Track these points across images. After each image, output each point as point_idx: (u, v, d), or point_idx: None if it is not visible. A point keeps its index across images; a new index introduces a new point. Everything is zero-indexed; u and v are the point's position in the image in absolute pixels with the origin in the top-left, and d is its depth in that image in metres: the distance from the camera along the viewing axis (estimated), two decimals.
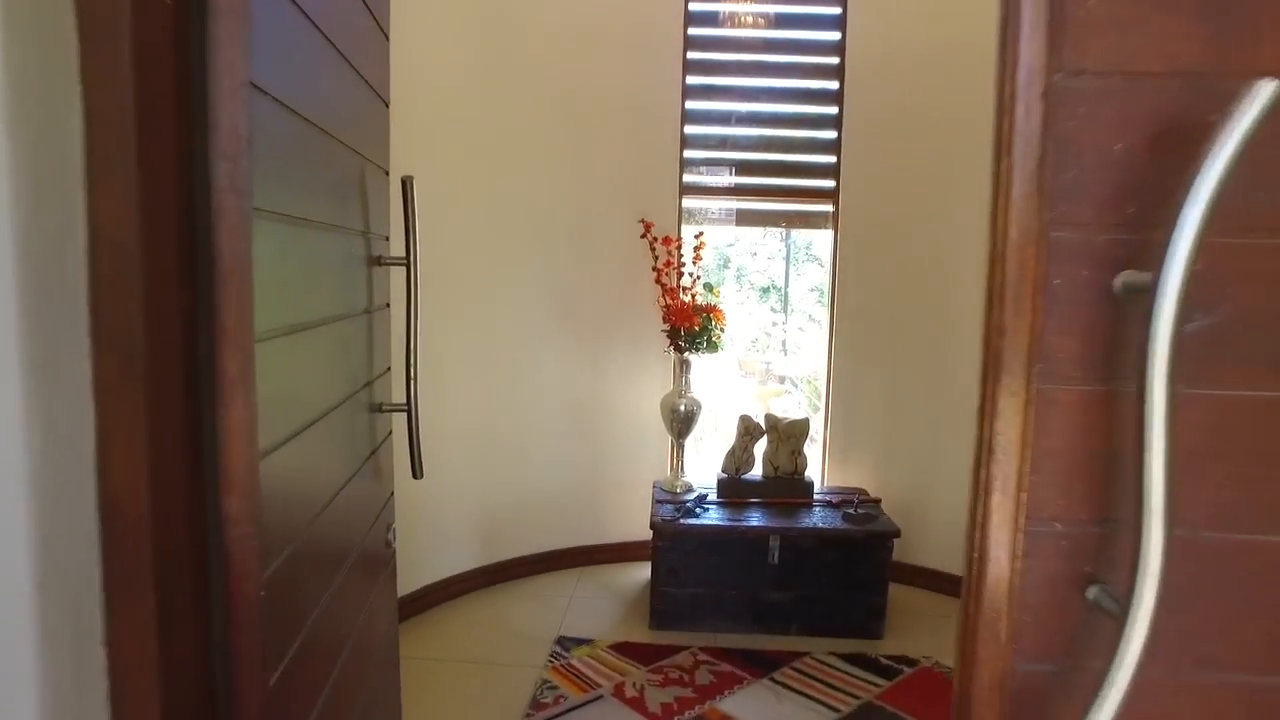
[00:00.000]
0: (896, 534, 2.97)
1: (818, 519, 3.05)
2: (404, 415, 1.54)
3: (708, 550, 3.01)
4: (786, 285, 13.06)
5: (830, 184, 3.56)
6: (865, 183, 3.46)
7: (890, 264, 3.46)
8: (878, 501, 3.26)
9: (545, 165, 3.41)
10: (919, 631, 3.09)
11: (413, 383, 1.54)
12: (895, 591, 3.00)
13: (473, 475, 3.34)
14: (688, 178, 3.60)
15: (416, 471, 1.59)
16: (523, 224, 3.40)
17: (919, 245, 3.41)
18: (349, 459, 1.35)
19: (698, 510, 3.09)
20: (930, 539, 3.47)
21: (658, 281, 3.30)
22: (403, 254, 1.52)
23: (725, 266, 19.52)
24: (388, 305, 1.64)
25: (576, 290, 3.54)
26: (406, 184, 1.49)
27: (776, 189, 3.65)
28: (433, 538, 3.20)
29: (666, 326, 3.30)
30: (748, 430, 3.26)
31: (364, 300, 1.44)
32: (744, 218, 3.80)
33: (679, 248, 3.36)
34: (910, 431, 3.50)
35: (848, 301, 3.53)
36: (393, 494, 1.70)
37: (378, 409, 1.54)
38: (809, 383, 8.25)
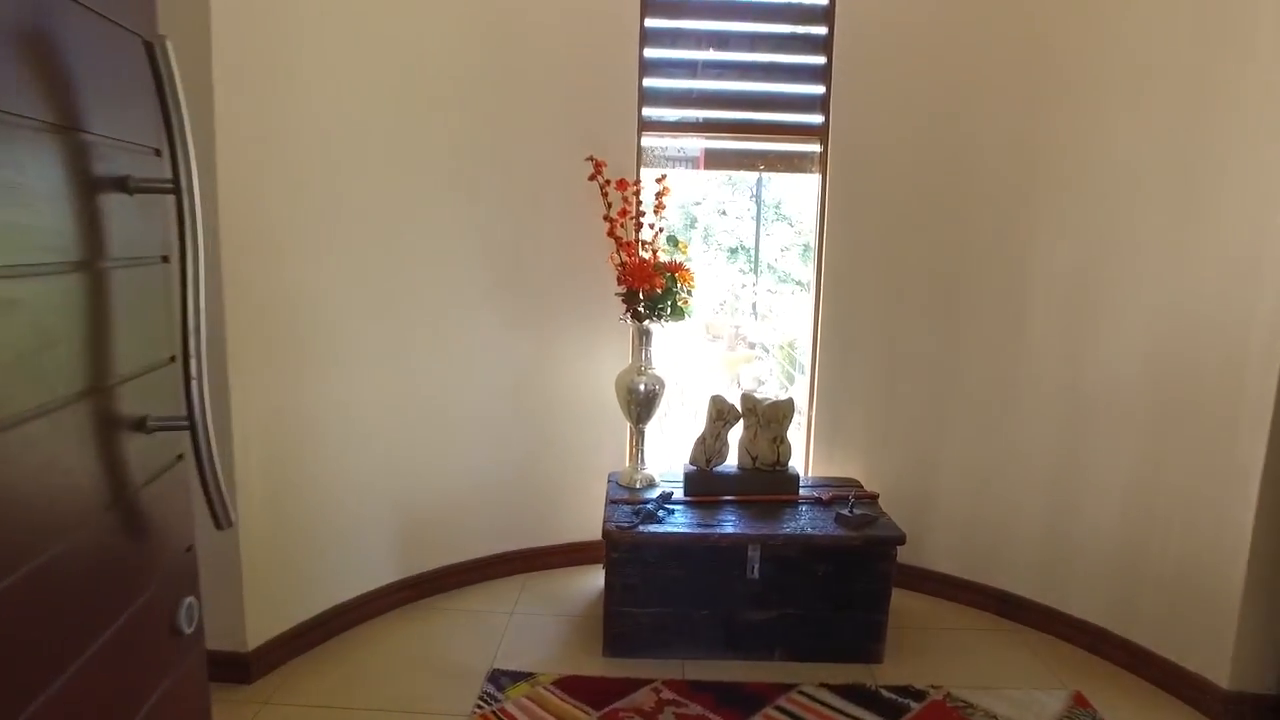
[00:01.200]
0: (901, 540, 2.46)
1: (805, 522, 2.52)
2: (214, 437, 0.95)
3: (673, 562, 2.48)
4: (757, 244, 12.46)
5: (817, 119, 2.98)
6: (860, 117, 2.88)
7: (889, 215, 2.91)
8: (875, 497, 2.75)
9: (471, 92, 2.78)
10: (926, 652, 2.61)
11: (195, 383, 0.95)
12: (894, 599, 2.50)
13: (390, 471, 2.76)
14: (648, 111, 2.99)
15: (219, 520, 1.01)
16: (443, 163, 2.77)
17: (926, 192, 2.86)
18: (49, 510, 0.77)
19: (660, 513, 2.55)
20: (935, 537, 2.98)
21: (611, 234, 2.71)
22: (169, 176, 0.92)
23: (692, 226, 18.93)
24: (165, 259, 1.04)
25: (513, 246, 2.94)
26: (156, 52, 0.88)
27: (753, 125, 3.06)
28: (340, 547, 2.63)
29: (622, 289, 2.73)
30: (720, 414, 2.71)
31: (83, 247, 0.85)
32: (714, 159, 3.21)
33: (637, 193, 2.77)
34: (910, 411, 2.98)
35: (837, 259, 2.97)
36: (192, 550, 1.12)
37: (138, 426, 0.96)
38: (783, 349, 7.73)
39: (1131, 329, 2.48)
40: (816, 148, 3.01)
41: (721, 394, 2.74)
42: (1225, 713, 2.29)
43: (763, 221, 15.93)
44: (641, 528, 2.46)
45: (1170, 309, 2.38)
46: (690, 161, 3.24)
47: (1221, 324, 2.25)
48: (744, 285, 11.10)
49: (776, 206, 16.87)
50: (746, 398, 2.74)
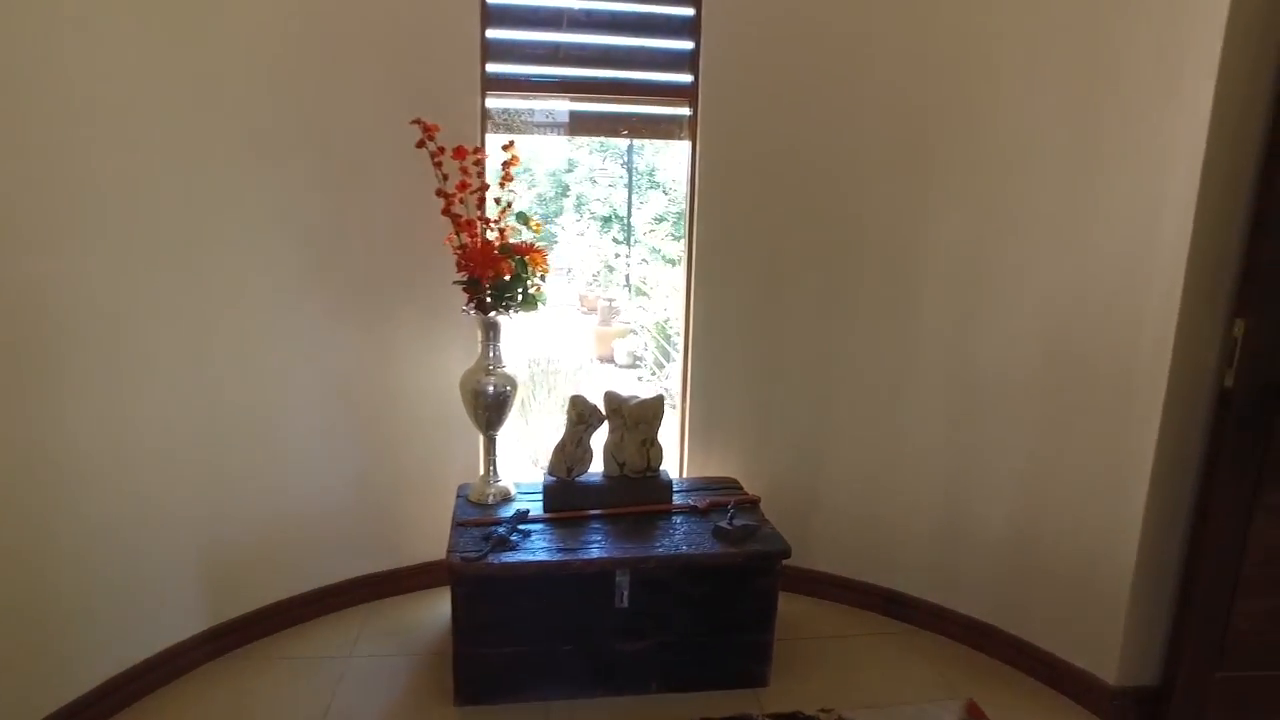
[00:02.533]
0: (785, 554, 2.22)
1: (681, 538, 2.24)
2: None
3: (531, 594, 2.14)
4: (629, 213, 12.10)
5: (686, 78, 2.65)
6: (733, 78, 2.58)
7: (767, 186, 2.63)
8: (756, 501, 2.50)
9: (274, 42, 2.28)
10: (814, 668, 2.40)
11: None
12: (779, 604, 2.27)
13: (193, 499, 2.28)
14: (493, 67, 2.58)
15: None
16: (242, 130, 2.26)
17: (807, 161, 2.59)
18: None
19: (514, 537, 2.20)
20: (820, 535, 2.77)
21: (446, 212, 2.29)
22: None
23: (564, 195, 18.42)
24: None
25: (335, 227, 2.47)
26: None
27: (614, 85, 2.70)
28: (130, 599, 2.14)
29: (463, 277, 2.32)
30: (582, 417, 2.37)
31: None
32: (578, 124, 2.84)
33: (479, 163, 2.36)
34: (794, 402, 2.75)
35: (710, 234, 2.68)
36: None
37: None
38: (659, 327, 7.48)
39: (1024, 315, 2.32)
40: (686, 111, 2.69)
41: (582, 394, 2.40)
42: (1111, 709, 2.20)
43: (637, 190, 15.63)
44: (492, 556, 2.10)
45: (1063, 293, 2.22)
46: (559, 127, 2.86)
47: (1113, 311, 2.11)
48: (617, 255, 10.72)
49: (650, 173, 16.60)
50: (611, 397, 2.42)
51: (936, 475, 2.56)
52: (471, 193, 2.32)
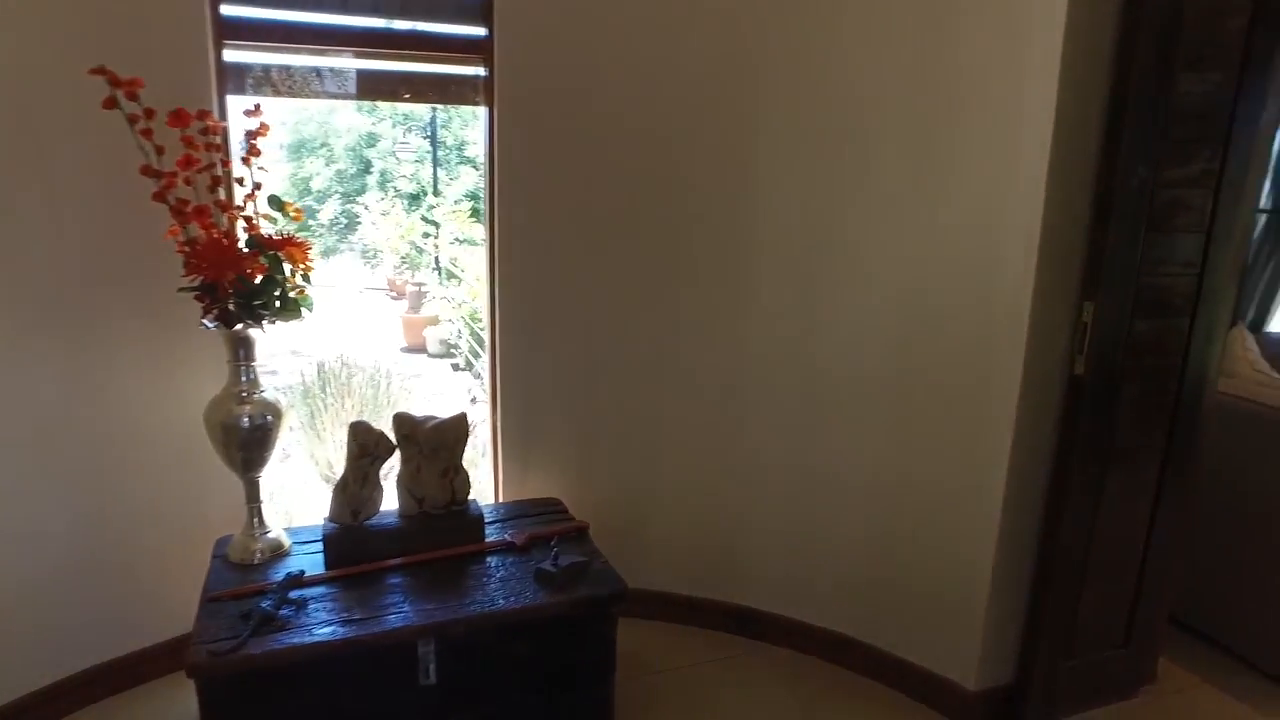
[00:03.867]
0: (621, 595, 1.90)
1: (497, 588, 1.86)
2: None
3: (310, 684, 1.68)
4: (435, 190, 11.30)
5: (479, 31, 2.23)
6: (536, 29, 2.18)
7: (582, 158, 2.27)
8: (584, 529, 2.16)
9: None
10: (664, 706, 2.13)
11: None
12: (620, 633, 1.96)
13: None
14: (230, 9, 2.02)
15: None
16: None
17: (628, 130, 2.25)
18: None
19: (285, 610, 1.73)
20: (661, 554, 2.50)
21: (160, 198, 1.74)
22: None
23: (367, 171, 17.10)
24: None
25: (18, 223, 1.84)
26: None
27: (388, 37, 2.23)
28: None
29: (194, 280, 1.79)
30: (364, 448, 1.92)
31: None
32: (362, 87, 2.33)
33: (209, 132, 1.82)
34: (622, 406, 2.43)
35: (514, 214, 2.28)
36: None
37: None
38: (472, 315, 6.92)
39: (870, 305, 2.13)
40: (481, 71, 2.27)
41: (365, 420, 1.94)
42: (971, 715, 2.10)
43: (446, 165, 14.76)
44: (252, 644, 1.62)
45: (911, 280, 2.05)
46: (345, 90, 2.34)
47: (965, 299, 1.95)
48: (426, 236, 9.94)
49: (459, 147, 15.75)
50: (402, 421, 1.98)
51: (782, 480, 2.35)
52: (199, 171, 1.78)
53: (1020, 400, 1.86)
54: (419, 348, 8.76)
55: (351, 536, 1.94)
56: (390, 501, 2.03)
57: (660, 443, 2.44)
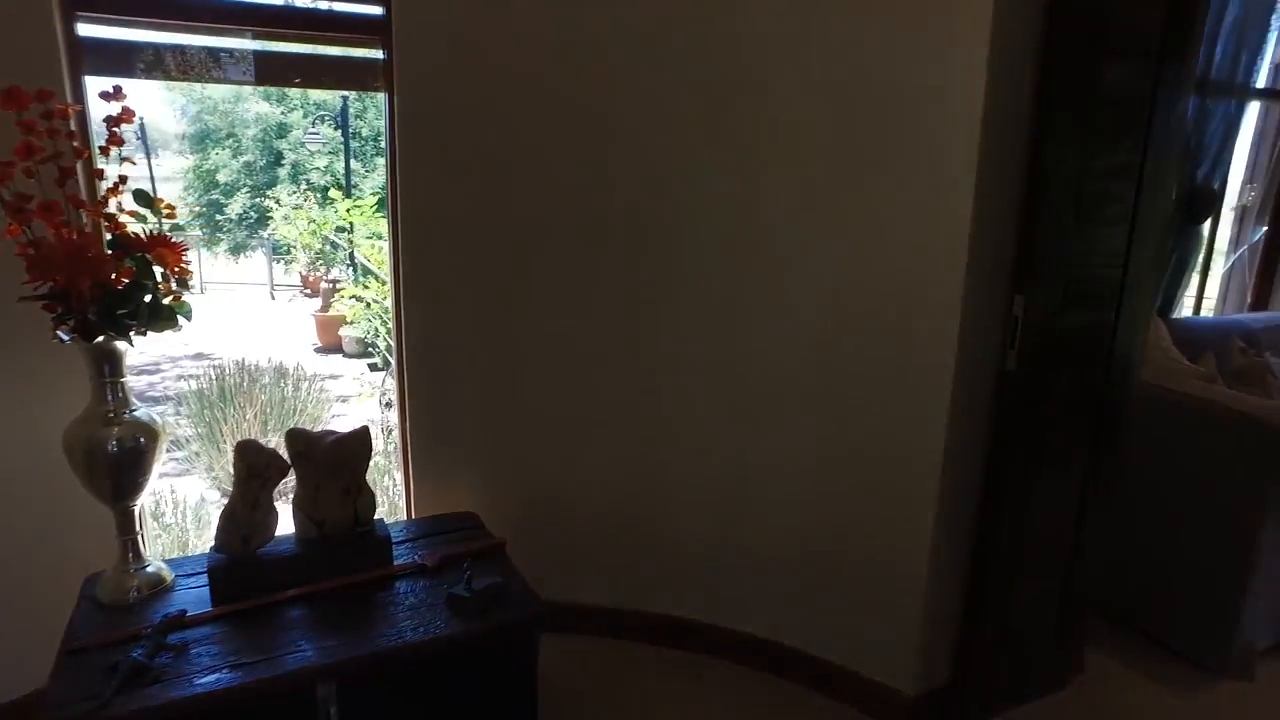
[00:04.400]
0: (540, 619, 1.77)
1: (405, 618, 1.70)
2: None
3: None
4: (348, 183, 10.86)
5: (375, 10, 2.05)
6: (440, 6, 2.01)
7: (492, 146, 2.12)
8: (501, 546, 2.02)
9: None
10: None
11: None
12: (544, 650, 1.83)
13: None
14: None
15: None
16: None
17: (543, 115, 2.11)
18: None
19: (161, 658, 1.54)
20: (585, 563, 2.38)
21: None
22: None
23: (278, 164, 16.35)
24: None
25: None
26: None
27: (270, 13, 2.03)
28: None
29: (39, 286, 1.57)
30: (253, 470, 1.73)
31: None
32: (261, 71, 2.12)
33: (53, 116, 1.60)
34: (540, 410, 2.30)
35: (419, 207, 2.12)
36: None
37: None
38: (385, 312, 6.65)
39: (798, 304, 2.04)
40: (379, 54, 2.09)
41: (253, 439, 1.75)
42: (909, 718, 2.05)
43: (363, 157, 14.19)
44: (119, 704, 1.43)
45: (842, 275, 1.97)
46: (243, 74, 2.13)
47: (897, 294, 1.88)
48: (339, 230, 9.53)
49: (375, 138, 15.17)
50: (296, 437, 1.80)
51: (710, 485, 2.25)
52: (43, 161, 1.56)
53: (952, 397, 1.81)
54: (334, 347, 8.40)
55: (241, 568, 1.75)
56: (286, 526, 1.85)
57: (582, 449, 2.32)
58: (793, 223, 2.01)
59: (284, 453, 1.79)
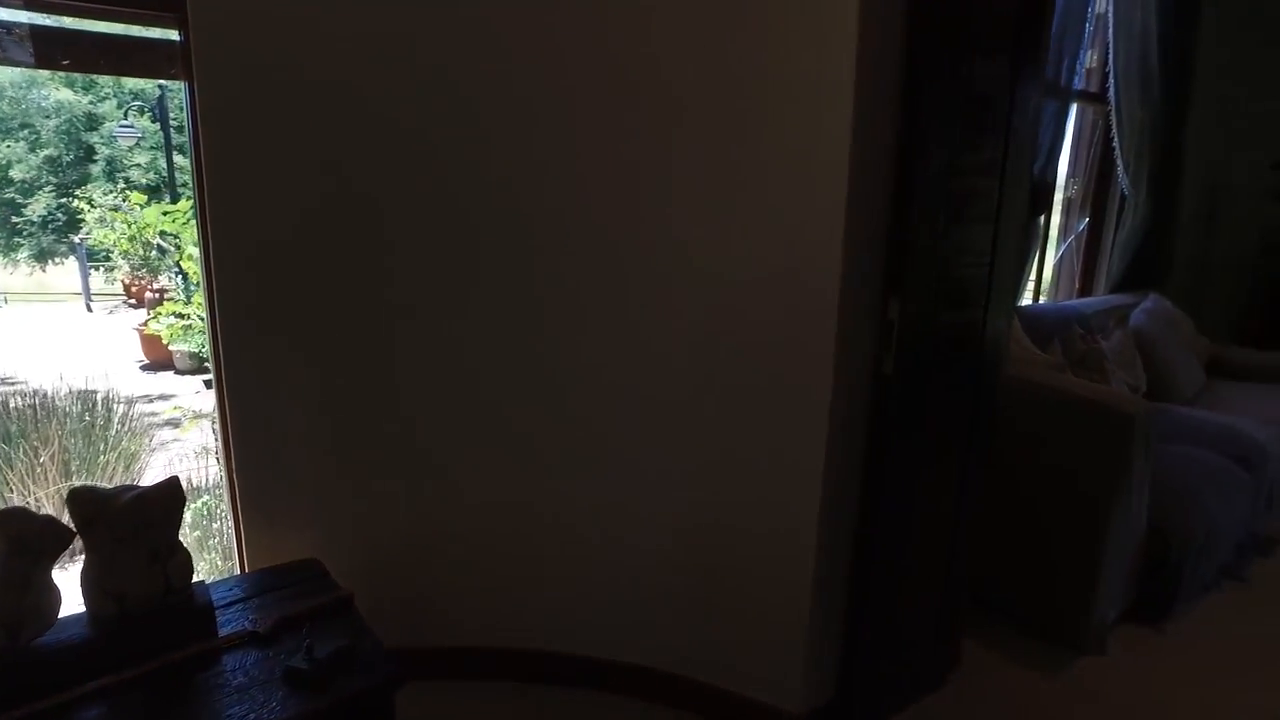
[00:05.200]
0: (398, 681, 1.55)
1: (233, 705, 1.43)
2: None
3: None
4: (171, 180, 9.89)
5: None
6: None
7: (322, 141, 1.85)
8: (348, 600, 1.77)
9: None
10: None
11: None
12: (401, 705, 1.61)
13: None
14: None
15: None
16: None
17: (383, 102, 1.86)
18: None
19: None
20: (449, 602, 2.16)
21: None
22: None
23: (90, 159, 14.72)
24: None
25: None
26: None
27: None
28: None
29: None
30: (21, 543, 1.41)
31: None
32: (40, 51, 1.74)
33: None
34: (386, 427, 2.05)
35: (232, 213, 1.83)
36: None
37: None
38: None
39: (670, 315, 1.90)
40: (175, 35, 1.78)
41: (19, 507, 1.43)
42: None
43: (186, 151, 13.00)
44: None
45: (716, 283, 1.84)
46: (25, 49, 1.74)
47: (773, 303, 1.78)
48: (163, 233, 8.63)
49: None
50: (80, 498, 1.48)
51: (580, 508, 2.09)
52: None
53: (832, 407, 1.73)
54: (164, 363, 7.61)
55: (12, 667, 1.42)
56: (75, 604, 1.53)
57: (440, 478, 2.09)
58: (662, 234, 1.86)
59: (68, 517, 1.47)
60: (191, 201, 1.99)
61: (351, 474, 2.04)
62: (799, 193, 1.69)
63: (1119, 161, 4.17)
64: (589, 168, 1.89)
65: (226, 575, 2.20)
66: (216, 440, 2.16)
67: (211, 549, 3.02)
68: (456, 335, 2.00)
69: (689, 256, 1.85)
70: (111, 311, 10.98)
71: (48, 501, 3.14)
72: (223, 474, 2.10)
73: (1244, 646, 2.57)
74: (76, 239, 11.98)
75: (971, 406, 1.97)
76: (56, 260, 14.17)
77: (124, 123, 11.59)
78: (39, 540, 1.41)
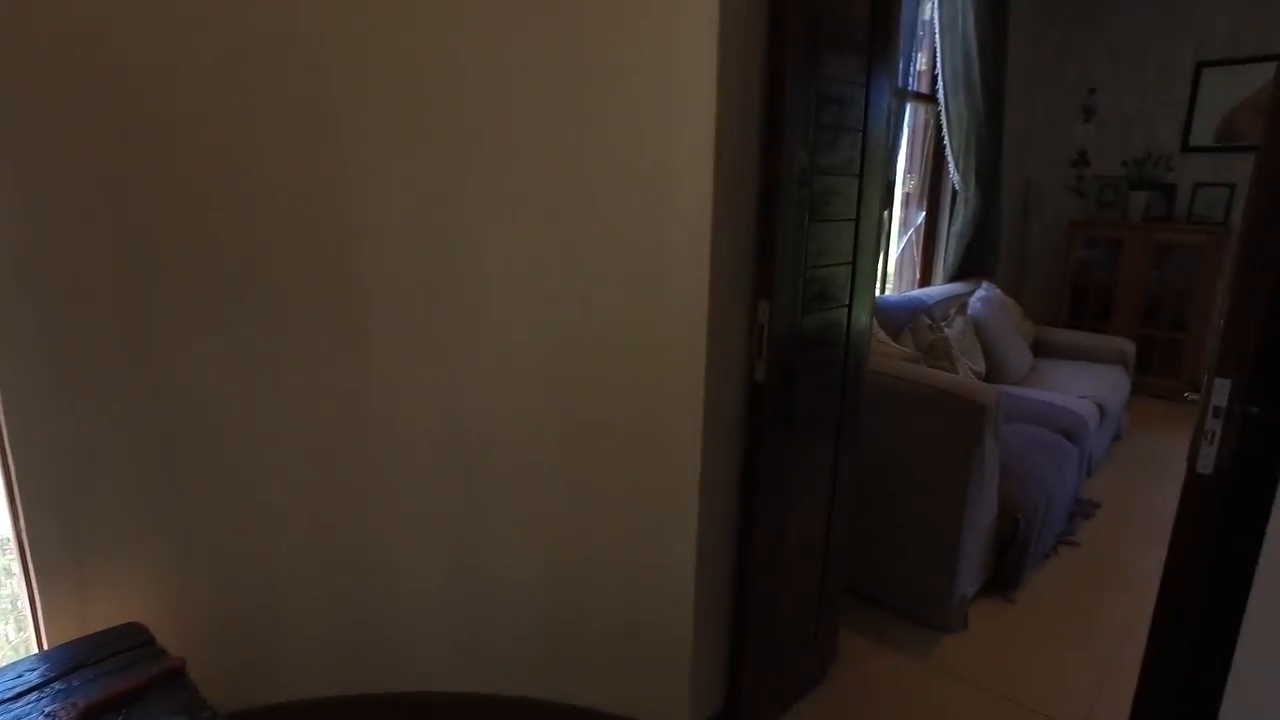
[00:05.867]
0: None
1: None
2: None
3: None
4: None
5: None
6: None
7: (102, 147, 1.58)
8: (178, 670, 1.54)
9: None
10: None
11: None
12: None
13: None
14: None
15: None
16: None
17: (166, 104, 1.61)
18: None
19: None
20: (303, 651, 1.94)
21: None
22: None
23: None
24: None
25: None
26: None
27: None
28: None
29: None
30: None
31: None
32: None
33: None
34: (209, 469, 1.81)
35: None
36: None
37: None
38: None
39: (523, 336, 1.77)
40: None
41: None
42: None
43: None
44: None
45: (571, 297, 1.73)
46: None
47: (635, 307, 1.69)
48: None
49: None
50: None
51: (439, 540, 1.93)
52: None
53: (705, 419, 1.67)
54: None
55: None
56: None
57: (280, 520, 1.87)
58: (506, 249, 1.72)
59: None
60: None
61: (171, 522, 1.78)
62: (662, 196, 1.61)
63: (950, 158, 4.43)
64: (412, 195, 1.73)
65: (19, 655, 1.87)
66: None
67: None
68: (279, 378, 1.79)
69: (539, 276, 1.73)
70: None
71: None
72: (12, 535, 1.78)
73: (1083, 602, 2.78)
74: None
75: (839, 404, 1.98)
76: None
77: None
78: None
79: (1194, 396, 1.29)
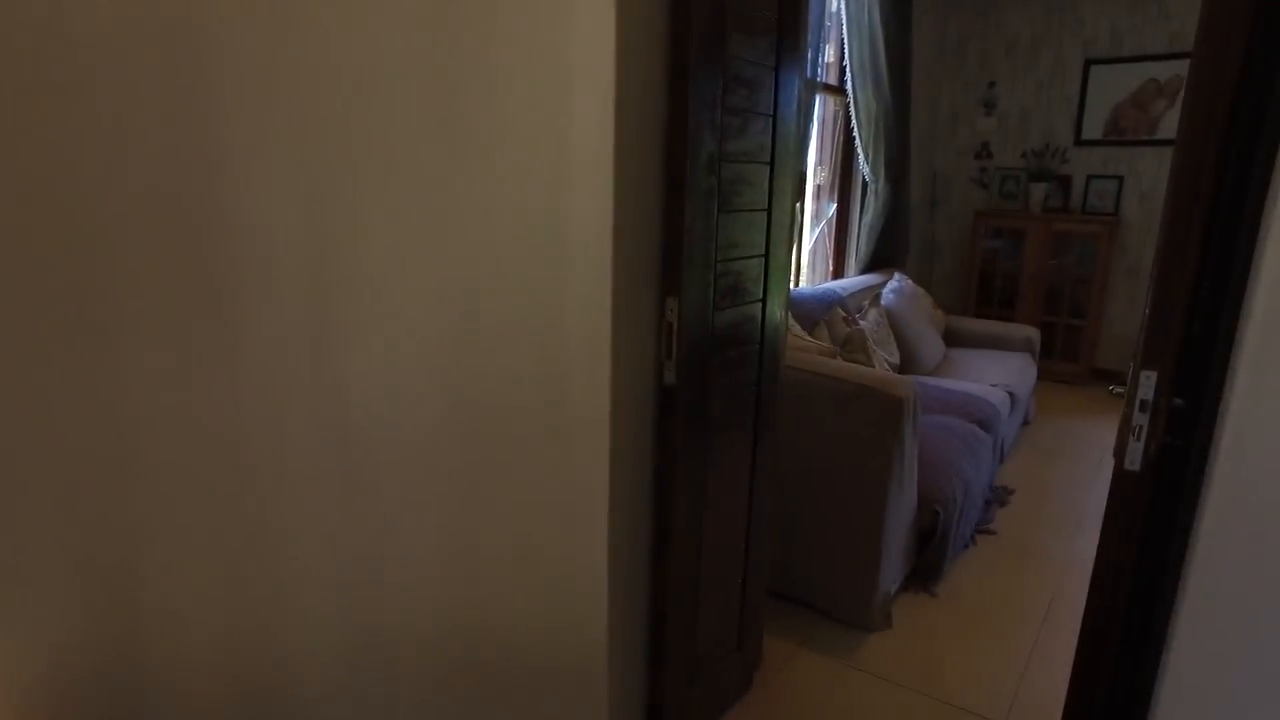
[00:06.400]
0: None
1: None
2: None
3: None
4: None
5: None
6: None
7: None
8: None
9: None
10: None
11: None
12: None
13: None
14: None
15: None
16: None
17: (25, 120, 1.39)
18: None
19: None
20: (178, 707, 1.72)
21: None
22: None
23: None
24: None
25: None
26: None
27: None
28: None
29: None
30: None
31: None
32: None
33: None
34: (65, 509, 1.58)
35: None
36: None
37: None
38: None
39: (413, 343, 1.61)
40: None
41: None
42: None
43: None
44: None
45: (462, 298, 1.57)
46: None
47: (532, 308, 1.54)
48: None
49: None
50: None
51: (325, 576, 1.75)
52: None
53: (613, 426, 1.54)
54: None
55: None
56: None
57: (144, 561, 1.66)
58: (392, 248, 1.56)
59: None
60: None
61: (8, 571, 1.55)
62: (559, 186, 1.47)
63: (859, 150, 4.43)
64: (288, 192, 1.55)
65: None
66: None
67: None
68: (138, 390, 1.58)
69: (428, 277, 1.57)
70: None
71: None
72: None
73: (1002, 592, 2.79)
74: None
75: (756, 403, 1.89)
76: None
77: None
78: None
79: (1120, 390, 1.24)
